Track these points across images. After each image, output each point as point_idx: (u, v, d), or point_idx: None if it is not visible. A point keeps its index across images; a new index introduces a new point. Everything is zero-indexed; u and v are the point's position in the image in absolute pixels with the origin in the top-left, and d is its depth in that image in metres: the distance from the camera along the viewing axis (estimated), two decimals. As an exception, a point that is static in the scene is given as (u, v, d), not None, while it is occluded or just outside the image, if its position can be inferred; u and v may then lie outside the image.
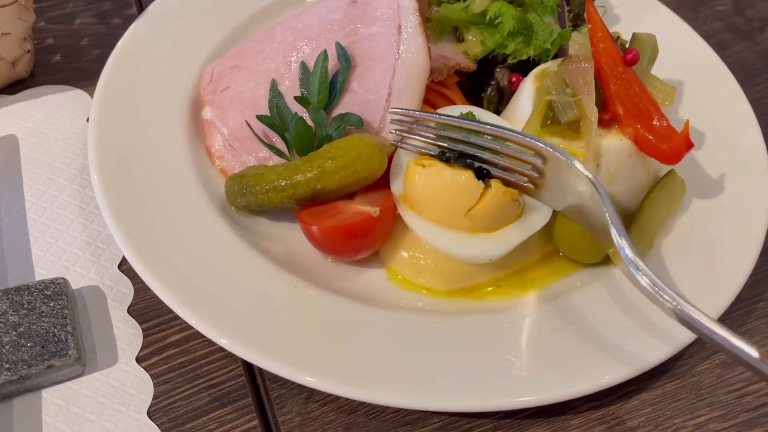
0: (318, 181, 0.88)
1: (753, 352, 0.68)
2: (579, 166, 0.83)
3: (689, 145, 0.88)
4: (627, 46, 0.98)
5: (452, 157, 0.87)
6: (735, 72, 1.14)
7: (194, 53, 1.08)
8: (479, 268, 0.89)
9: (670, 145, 0.88)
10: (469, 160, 0.87)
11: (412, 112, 0.91)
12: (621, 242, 0.78)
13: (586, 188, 0.84)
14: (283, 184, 0.89)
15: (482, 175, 0.86)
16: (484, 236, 0.87)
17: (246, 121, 0.97)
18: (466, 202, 0.85)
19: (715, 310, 0.85)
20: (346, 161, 0.87)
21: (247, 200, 0.91)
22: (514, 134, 0.86)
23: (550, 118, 0.90)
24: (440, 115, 0.90)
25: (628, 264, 0.77)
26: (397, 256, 0.91)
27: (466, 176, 0.85)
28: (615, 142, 0.91)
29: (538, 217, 0.88)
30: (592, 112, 0.88)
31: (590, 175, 0.83)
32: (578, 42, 0.95)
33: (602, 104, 0.91)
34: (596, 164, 0.90)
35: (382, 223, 0.87)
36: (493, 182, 0.86)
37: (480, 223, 0.87)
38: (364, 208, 0.87)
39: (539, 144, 0.84)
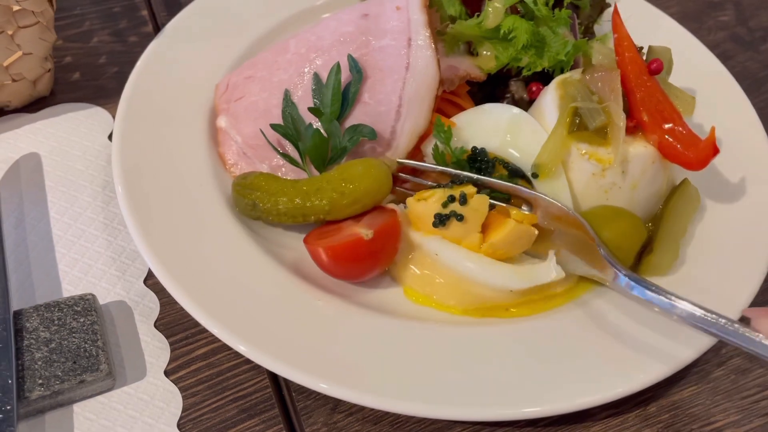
0: (328, 213, 0.91)
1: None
2: (555, 201, 0.90)
3: (715, 151, 0.90)
4: (645, 58, 1.01)
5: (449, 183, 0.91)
6: (739, 81, 1.16)
7: (212, 69, 1.10)
8: (500, 293, 0.90)
9: (696, 152, 0.91)
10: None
11: (417, 164, 0.96)
12: (615, 266, 0.85)
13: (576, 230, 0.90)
14: (293, 207, 0.91)
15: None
16: (509, 267, 0.89)
17: (260, 130, 0.99)
18: (477, 223, 0.88)
19: (731, 315, 0.86)
20: (355, 197, 0.90)
21: (258, 215, 0.94)
22: (508, 186, 0.92)
23: (577, 124, 0.92)
24: (443, 168, 0.94)
25: (625, 285, 0.84)
26: (410, 275, 0.92)
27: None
28: (640, 149, 0.93)
29: (559, 268, 0.89)
30: (621, 118, 0.90)
31: (571, 210, 0.90)
32: (601, 52, 0.97)
33: (626, 112, 0.94)
34: (622, 171, 0.92)
35: (380, 243, 0.88)
36: (511, 211, 0.89)
37: (499, 252, 0.89)
38: (358, 230, 0.88)
39: (529, 193, 0.92)
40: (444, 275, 0.90)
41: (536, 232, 0.91)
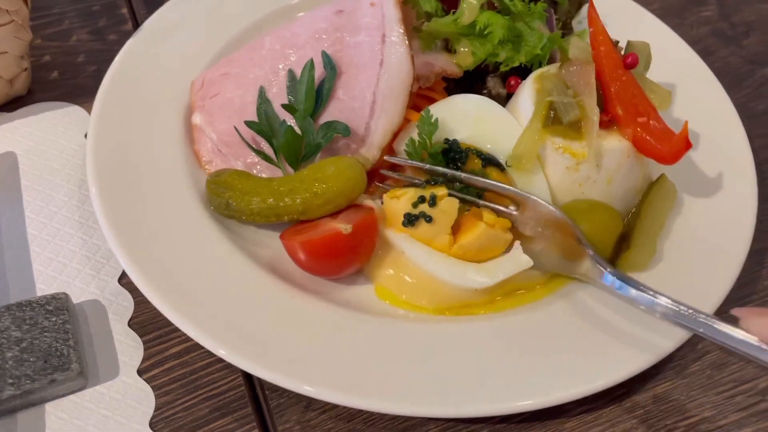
0: (302, 213, 0.90)
1: (751, 339, 0.70)
2: (542, 201, 0.90)
3: (688, 146, 0.90)
4: (622, 52, 1.00)
5: (424, 182, 0.91)
6: (721, 76, 1.16)
7: (189, 67, 1.10)
8: (470, 292, 0.89)
9: (669, 146, 0.90)
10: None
11: (403, 161, 0.95)
12: (601, 265, 0.85)
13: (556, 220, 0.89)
14: (266, 207, 0.91)
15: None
16: (472, 266, 0.89)
17: (234, 127, 0.99)
18: (446, 226, 0.88)
19: (706, 311, 0.86)
20: (329, 197, 0.89)
21: (231, 214, 0.93)
22: (491, 184, 0.91)
23: (552, 118, 0.92)
24: (428, 166, 0.93)
25: (611, 284, 0.84)
26: (383, 274, 0.91)
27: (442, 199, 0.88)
28: (614, 143, 0.93)
29: (526, 257, 0.89)
30: (594, 113, 0.90)
31: (554, 208, 0.90)
32: (578, 46, 0.96)
33: (602, 106, 0.93)
34: (597, 165, 0.92)
35: (358, 239, 0.87)
36: (484, 214, 0.88)
37: (469, 254, 0.89)
38: (336, 225, 0.88)
39: (512, 191, 0.91)
40: (412, 274, 0.90)
41: (509, 237, 0.90)
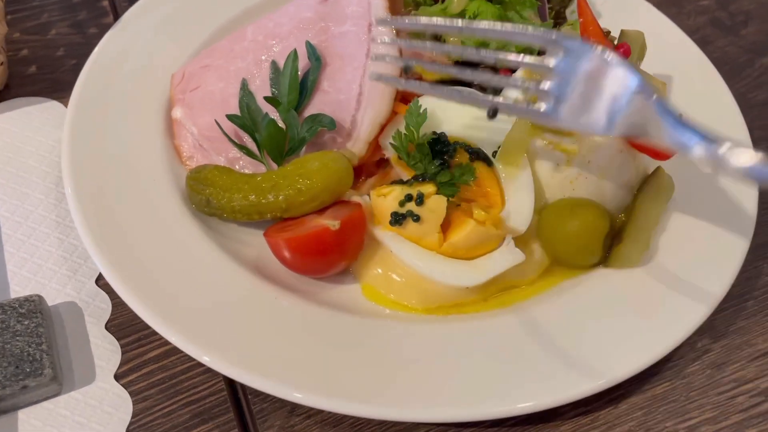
0: (285, 211, 0.87)
1: None
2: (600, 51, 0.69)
3: None
4: (615, 42, 0.97)
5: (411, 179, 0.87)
6: (719, 66, 1.13)
7: (170, 59, 1.06)
8: (461, 290, 0.86)
9: None
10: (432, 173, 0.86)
11: (401, 21, 0.83)
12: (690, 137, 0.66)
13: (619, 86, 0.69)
14: (247, 204, 0.87)
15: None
16: (462, 263, 0.86)
17: (216, 121, 0.95)
18: (434, 225, 0.84)
19: (704, 308, 0.84)
20: (313, 194, 0.86)
21: (212, 212, 0.90)
22: (514, 29, 0.72)
23: None
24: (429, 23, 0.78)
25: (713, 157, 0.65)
26: (370, 273, 0.88)
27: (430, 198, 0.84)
28: (606, 139, 0.89)
29: (518, 251, 0.86)
30: None
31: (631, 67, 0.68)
32: (567, 37, 0.93)
33: (594, 100, 0.90)
34: (588, 161, 0.89)
35: (345, 236, 0.84)
36: (474, 211, 0.85)
37: (460, 252, 0.86)
38: (323, 221, 0.84)
39: (546, 34, 0.70)
40: (401, 273, 0.86)
41: (501, 233, 0.86)
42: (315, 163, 0.87)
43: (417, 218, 0.84)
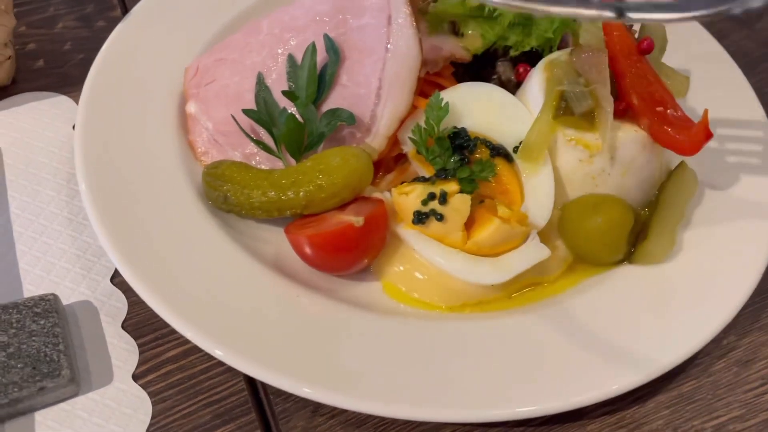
0: (305, 207, 0.86)
1: None
2: None
3: (708, 136, 0.85)
4: (636, 35, 0.96)
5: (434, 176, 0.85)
6: (735, 60, 1.12)
7: (182, 53, 1.04)
8: (485, 288, 0.85)
9: (688, 136, 0.86)
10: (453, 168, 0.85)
11: None
12: None
13: None
14: (267, 201, 0.86)
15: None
16: (486, 261, 0.84)
17: (232, 116, 0.93)
18: (458, 223, 0.83)
19: (732, 305, 0.83)
20: (334, 190, 0.85)
21: (230, 208, 0.88)
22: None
23: (563, 108, 0.88)
24: None
25: None
26: (391, 270, 0.87)
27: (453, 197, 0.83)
28: (630, 134, 0.88)
29: (543, 246, 0.85)
30: (608, 102, 0.85)
31: None
32: (589, 31, 0.92)
33: (615, 94, 0.89)
34: (611, 156, 0.87)
35: (369, 233, 0.83)
36: (499, 208, 0.83)
37: (484, 250, 0.84)
38: (347, 217, 0.83)
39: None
40: (423, 270, 0.85)
41: (527, 229, 0.85)
42: (336, 159, 0.85)
43: (440, 217, 0.82)
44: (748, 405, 0.83)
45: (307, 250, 0.83)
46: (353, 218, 0.80)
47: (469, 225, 0.84)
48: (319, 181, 0.85)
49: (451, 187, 0.83)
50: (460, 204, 0.83)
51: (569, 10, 0.58)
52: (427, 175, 0.88)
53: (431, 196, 0.83)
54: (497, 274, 0.83)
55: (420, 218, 0.83)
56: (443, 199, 0.82)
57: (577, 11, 0.57)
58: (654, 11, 0.57)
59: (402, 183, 0.88)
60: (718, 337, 0.84)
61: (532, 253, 0.84)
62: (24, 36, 1.16)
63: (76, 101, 1.05)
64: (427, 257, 0.84)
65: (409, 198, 0.84)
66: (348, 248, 0.82)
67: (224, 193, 0.87)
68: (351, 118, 0.89)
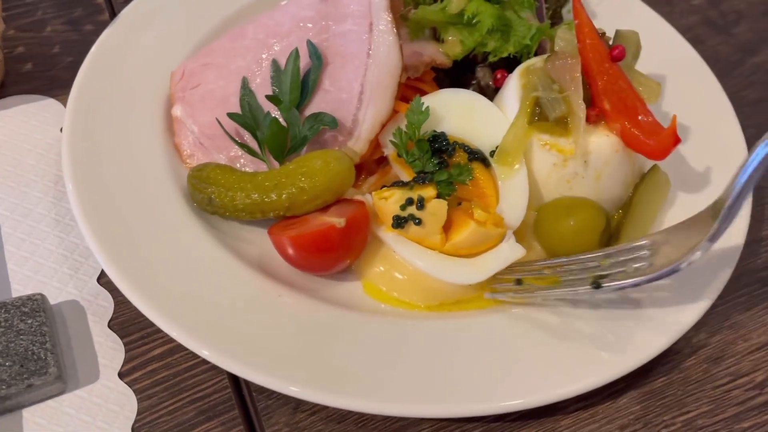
0: (287, 209, 0.88)
1: None
2: None
3: (676, 141, 0.88)
4: (611, 42, 0.98)
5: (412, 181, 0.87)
6: (711, 65, 1.14)
7: (169, 57, 1.06)
8: (463, 287, 0.88)
9: (657, 141, 0.89)
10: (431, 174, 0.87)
11: None
12: None
13: None
14: (250, 203, 0.88)
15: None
16: (464, 261, 0.87)
17: (217, 119, 0.95)
18: (436, 227, 0.85)
19: (702, 304, 0.85)
20: (316, 192, 0.87)
21: (215, 210, 0.90)
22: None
23: (538, 114, 0.90)
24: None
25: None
26: (372, 271, 0.89)
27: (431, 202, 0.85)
28: (602, 139, 0.91)
29: (519, 246, 0.87)
30: (580, 108, 0.88)
31: None
32: (563, 38, 0.94)
33: (589, 100, 0.91)
34: (584, 161, 0.90)
35: (350, 234, 0.85)
36: (475, 211, 0.86)
37: (462, 251, 0.87)
38: (329, 219, 0.85)
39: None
40: (403, 271, 0.87)
41: (503, 231, 0.87)
42: (318, 162, 0.87)
43: (419, 221, 0.85)
44: (717, 401, 0.86)
45: (290, 250, 0.85)
46: (335, 219, 0.82)
47: (447, 227, 0.87)
48: (301, 183, 0.87)
49: (429, 192, 0.86)
50: (437, 209, 0.85)
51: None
52: (406, 178, 0.90)
53: (409, 201, 0.85)
54: (475, 274, 0.86)
55: (399, 223, 0.85)
56: (421, 204, 0.84)
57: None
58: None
59: (383, 187, 0.90)
60: (688, 335, 0.87)
61: (508, 252, 0.86)
62: (12, 39, 1.17)
63: (65, 104, 1.06)
64: (406, 259, 0.86)
65: (388, 203, 0.86)
66: (330, 249, 0.84)
67: (209, 195, 0.89)
68: (333, 122, 0.91)
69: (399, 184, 0.88)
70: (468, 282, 0.85)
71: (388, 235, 0.87)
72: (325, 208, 0.89)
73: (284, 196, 0.86)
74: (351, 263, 0.89)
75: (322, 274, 0.89)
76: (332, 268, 0.87)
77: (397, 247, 0.86)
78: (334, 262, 0.87)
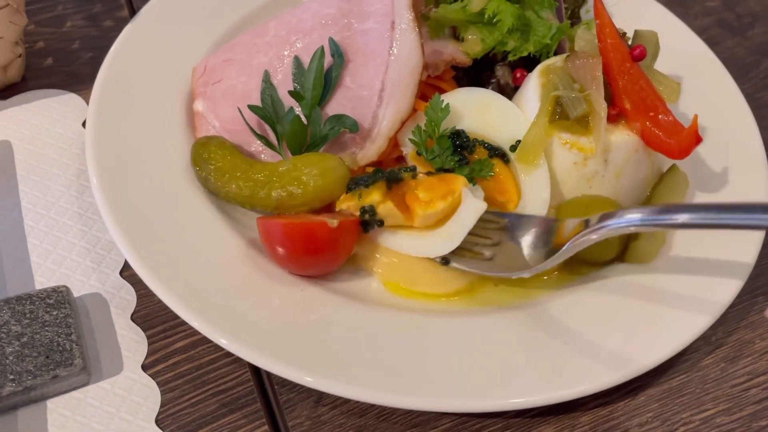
0: (275, 209, 0.90)
1: None
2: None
3: (698, 140, 0.89)
4: (630, 42, 0.99)
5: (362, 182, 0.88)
6: (726, 67, 1.15)
7: (190, 53, 1.06)
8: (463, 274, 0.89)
9: (678, 140, 0.89)
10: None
11: None
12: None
13: None
14: (241, 195, 0.90)
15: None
16: (437, 233, 0.87)
17: (238, 108, 0.96)
18: (398, 221, 0.87)
19: (721, 303, 0.86)
20: (305, 200, 0.88)
21: (211, 189, 0.92)
22: None
23: (558, 113, 0.91)
24: None
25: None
26: (383, 267, 0.90)
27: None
28: (623, 138, 0.91)
29: (477, 200, 0.87)
30: (602, 107, 0.89)
31: None
32: (584, 38, 0.95)
33: (609, 100, 0.92)
34: (605, 159, 0.91)
35: (337, 238, 0.85)
36: (419, 194, 0.87)
37: (431, 226, 0.88)
38: (323, 217, 0.85)
39: None
40: (411, 261, 0.89)
41: (455, 199, 0.86)
42: (314, 170, 0.88)
43: (381, 223, 0.87)
44: (735, 399, 0.86)
45: (275, 237, 0.85)
46: (328, 219, 0.83)
47: (409, 209, 0.88)
48: (291, 188, 0.88)
49: (374, 198, 0.86)
50: (387, 212, 0.87)
51: None
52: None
53: (363, 211, 0.87)
54: (447, 242, 0.86)
55: (366, 227, 0.88)
56: (372, 212, 0.86)
57: None
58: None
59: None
60: (706, 333, 0.87)
61: (470, 210, 0.86)
62: (33, 34, 1.18)
63: (85, 99, 1.08)
64: (392, 247, 0.88)
65: (351, 209, 0.88)
66: (315, 246, 0.84)
67: (207, 174, 0.91)
68: (355, 126, 0.92)
69: (350, 187, 0.89)
70: (445, 251, 0.86)
71: (373, 232, 0.89)
72: (315, 212, 0.90)
73: (273, 195, 0.88)
74: (328, 269, 0.89)
75: (299, 274, 0.88)
76: (316, 266, 0.87)
77: (382, 240, 0.88)
78: (319, 261, 0.87)
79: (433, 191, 0.87)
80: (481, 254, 0.88)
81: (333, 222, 0.83)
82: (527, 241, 0.88)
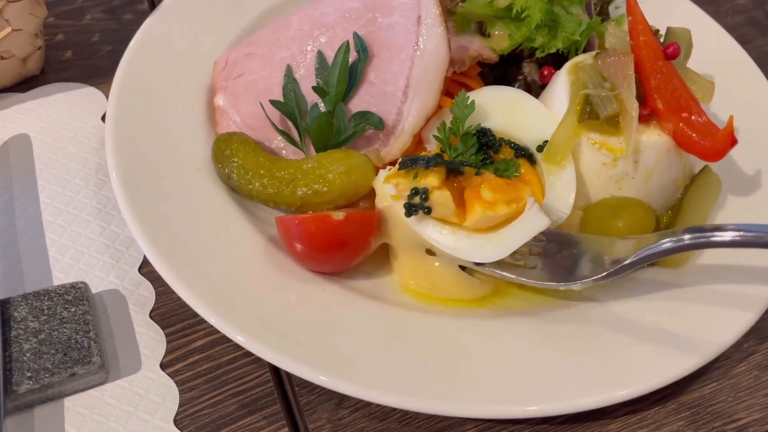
0: (300, 207, 0.88)
1: None
2: None
3: (733, 142, 0.86)
4: (662, 40, 0.96)
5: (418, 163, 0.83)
6: (758, 65, 1.12)
7: (211, 46, 1.05)
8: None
9: (713, 142, 0.86)
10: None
11: None
12: None
13: None
14: (264, 192, 0.88)
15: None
16: (487, 238, 0.82)
17: (260, 103, 0.94)
18: (448, 213, 0.82)
19: (755, 309, 0.83)
20: (330, 197, 0.87)
21: (233, 186, 0.91)
22: None
23: (588, 112, 0.88)
24: None
25: None
26: (405, 269, 0.88)
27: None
28: (654, 138, 0.89)
29: (542, 216, 0.83)
30: (633, 107, 0.86)
31: None
32: (615, 35, 0.92)
33: (640, 99, 0.89)
34: (635, 160, 0.88)
35: (347, 231, 0.83)
36: (483, 192, 0.81)
37: (481, 229, 0.83)
38: (329, 211, 0.84)
39: None
40: (434, 270, 0.86)
41: (520, 206, 0.82)
42: (339, 167, 0.87)
43: (428, 210, 0.81)
44: (768, 408, 0.84)
45: (290, 233, 0.84)
46: (333, 213, 0.82)
47: (462, 207, 0.83)
48: (317, 186, 0.87)
49: (431, 182, 0.81)
50: (441, 200, 0.81)
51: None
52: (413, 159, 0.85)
53: (414, 192, 0.81)
54: (497, 250, 0.81)
55: (410, 211, 0.82)
56: (425, 196, 0.81)
57: None
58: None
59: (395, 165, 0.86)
60: (739, 341, 0.85)
61: (532, 223, 0.81)
62: (52, 27, 1.17)
63: (105, 92, 1.07)
64: (431, 240, 0.82)
65: (397, 189, 0.83)
66: (324, 240, 0.83)
67: (230, 171, 0.89)
68: (380, 123, 0.90)
69: (407, 164, 0.84)
70: (492, 260, 0.81)
71: (411, 220, 0.83)
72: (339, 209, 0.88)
73: (298, 193, 0.87)
74: (343, 264, 0.87)
75: (317, 271, 0.86)
76: (326, 262, 0.85)
77: (419, 227, 0.83)
78: (327, 256, 0.85)
79: (501, 193, 0.81)
80: (524, 263, 0.84)
81: (338, 215, 0.81)
82: (574, 253, 0.85)
